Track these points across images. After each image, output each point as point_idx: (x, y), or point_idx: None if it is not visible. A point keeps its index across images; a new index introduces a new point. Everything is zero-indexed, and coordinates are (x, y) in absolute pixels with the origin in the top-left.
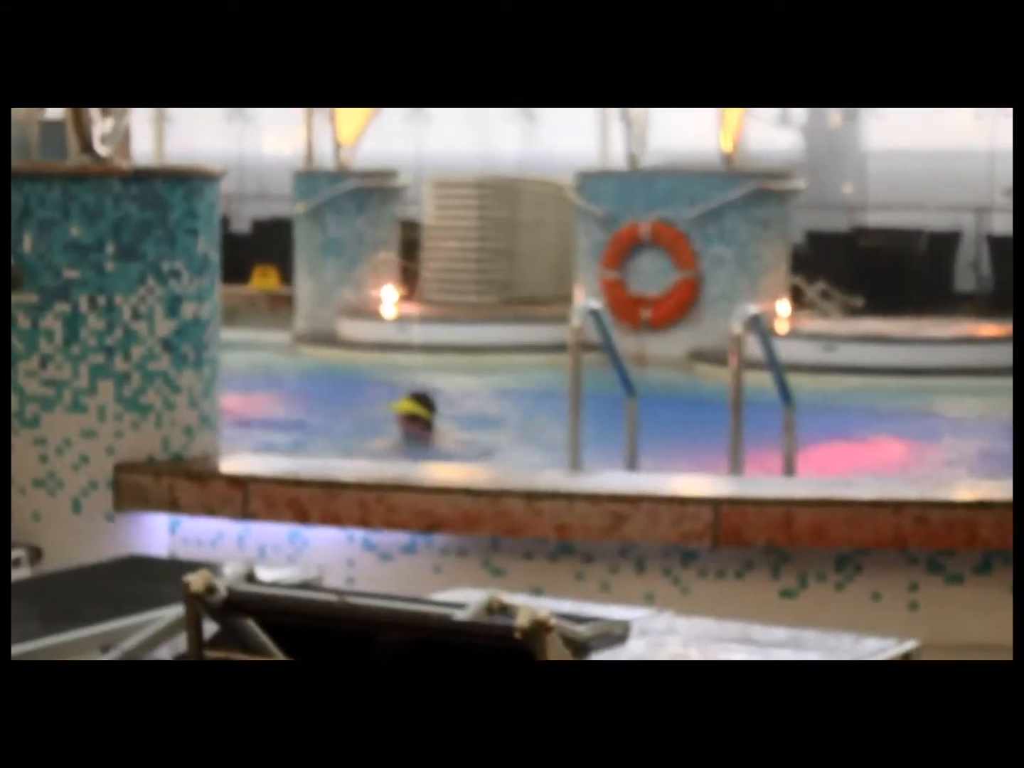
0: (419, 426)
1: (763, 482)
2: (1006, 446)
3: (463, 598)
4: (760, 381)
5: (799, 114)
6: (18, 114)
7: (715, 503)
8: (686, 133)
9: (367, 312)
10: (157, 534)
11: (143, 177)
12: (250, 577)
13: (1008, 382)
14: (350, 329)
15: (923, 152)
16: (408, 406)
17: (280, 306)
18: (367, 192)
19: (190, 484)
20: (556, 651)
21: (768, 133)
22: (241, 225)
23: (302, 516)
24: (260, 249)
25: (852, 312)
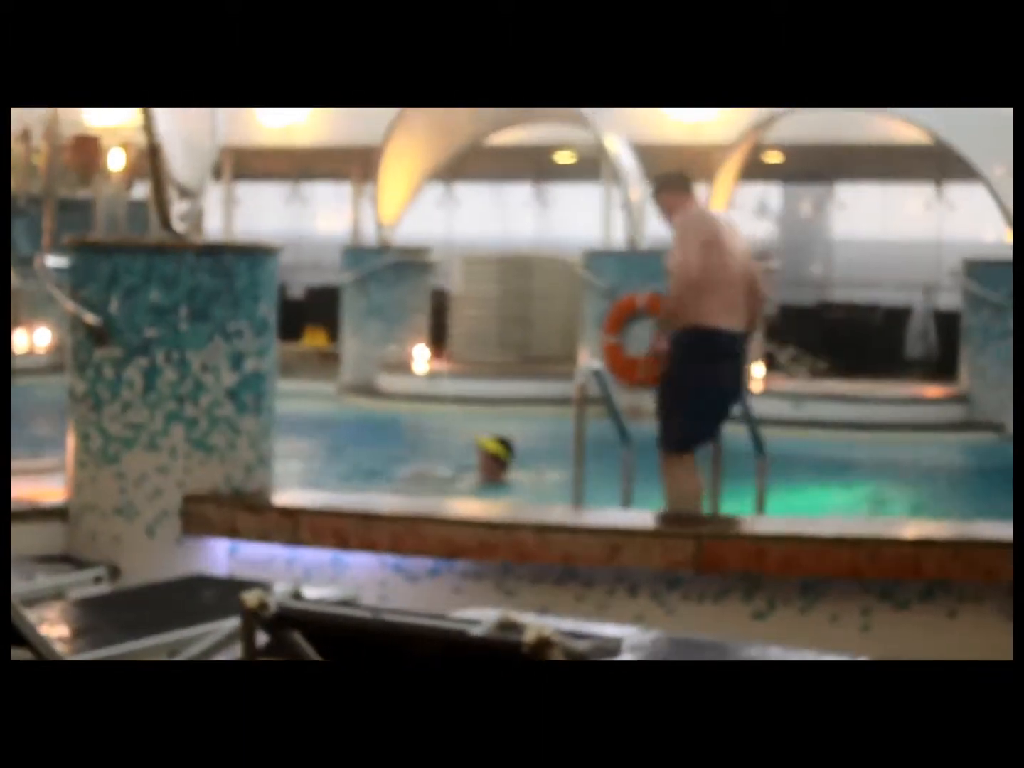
0: (497, 465)
1: (739, 520)
2: (949, 491)
3: (479, 616)
4: (738, 433)
5: (775, 205)
6: (108, 192)
7: (698, 537)
8: None
9: (403, 368)
10: (218, 556)
11: (214, 251)
12: (297, 595)
13: (950, 437)
14: (388, 382)
15: (881, 240)
16: (493, 446)
17: (328, 361)
18: (404, 265)
19: (248, 514)
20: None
21: (748, 221)
22: (296, 291)
23: (343, 543)
24: (312, 312)
25: (818, 374)
